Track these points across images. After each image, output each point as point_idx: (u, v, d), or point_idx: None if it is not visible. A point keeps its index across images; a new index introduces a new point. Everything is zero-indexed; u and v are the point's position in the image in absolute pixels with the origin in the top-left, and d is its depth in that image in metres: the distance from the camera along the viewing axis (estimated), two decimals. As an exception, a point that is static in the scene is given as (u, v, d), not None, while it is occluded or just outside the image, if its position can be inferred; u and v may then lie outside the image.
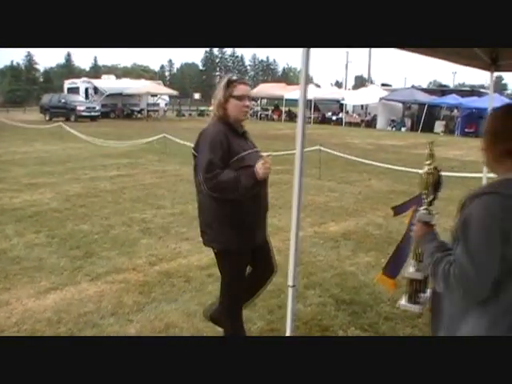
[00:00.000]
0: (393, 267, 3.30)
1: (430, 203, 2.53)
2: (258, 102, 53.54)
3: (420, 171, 2.60)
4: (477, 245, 2.04)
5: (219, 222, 3.74)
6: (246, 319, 4.84)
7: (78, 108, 40.47)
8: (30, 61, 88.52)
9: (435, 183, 2.54)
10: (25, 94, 79.06)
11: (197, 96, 68.83)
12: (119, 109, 45.73)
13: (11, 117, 40.04)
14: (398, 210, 2.97)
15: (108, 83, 47.62)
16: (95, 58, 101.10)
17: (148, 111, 46.94)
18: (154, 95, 48.05)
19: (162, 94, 49.41)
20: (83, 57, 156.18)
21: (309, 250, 7.02)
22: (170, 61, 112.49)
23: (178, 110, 52.82)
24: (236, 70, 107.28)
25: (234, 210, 3.67)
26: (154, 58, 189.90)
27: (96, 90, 45.82)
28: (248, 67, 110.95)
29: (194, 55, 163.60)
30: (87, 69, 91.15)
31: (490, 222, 2.02)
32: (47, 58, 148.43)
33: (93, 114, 40.83)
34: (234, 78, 3.72)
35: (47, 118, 41.51)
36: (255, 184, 3.53)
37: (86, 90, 46.11)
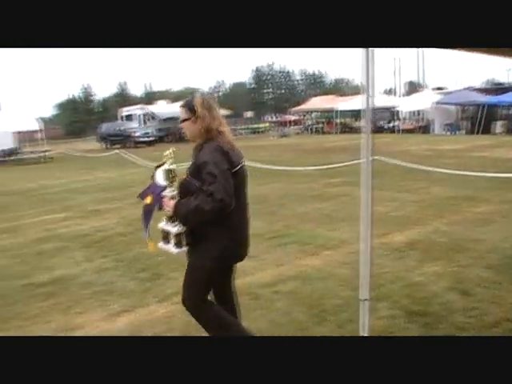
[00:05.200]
0: (144, 228, 4.04)
1: (171, 185, 3.74)
2: (311, 115, 53.50)
3: (163, 168, 3.80)
4: None
5: None
6: (317, 335, 4.81)
7: (134, 134, 41.44)
8: (86, 92, 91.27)
9: (173, 174, 3.77)
10: (83, 124, 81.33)
11: (249, 114, 69.27)
12: (173, 132, 46.40)
13: (71, 147, 41.28)
14: (142, 196, 4.04)
15: (162, 108, 48.53)
16: (150, 84, 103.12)
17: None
18: (206, 116, 48.59)
19: (214, 114, 49.95)
20: (137, 84, 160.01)
21: (375, 261, 6.92)
22: (223, 81, 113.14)
23: (230, 130, 53.28)
24: (286, 85, 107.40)
25: None
26: (205, 79, 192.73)
27: (151, 115, 46.78)
28: (300, 82, 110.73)
29: (243, 74, 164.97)
30: (141, 95, 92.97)
31: None
32: (103, 88, 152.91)
33: (149, 138, 41.67)
34: None
35: (105, 146, 42.67)
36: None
37: (141, 116, 47.16)
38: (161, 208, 3.80)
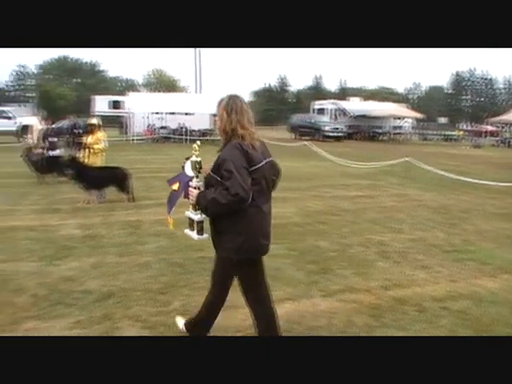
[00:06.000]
0: (168, 209, 4.40)
1: (197, 176, 4.13)
2: (510, 128, 50.15)
3: (191, 159, 4.18)
4: None
5: None
6: None
7: (324, 128, 41.98)
8: (282, 83, 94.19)
9: (199, 166, 4.14)
10: (276, 113, 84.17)
11: (443, 120, 66.71)
12: (363, 130, 46.25)
13: (262, 134, 42.65)
14: (170, 183, 4.40)
15: (354, 105, 48.56)
16: (345, 80, 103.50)
17: (391, 134, 46.75)
18: (398, 118, 47.72)
19: (406, 116, 48.84)
20: (332, 79, 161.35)
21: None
22: (419, 83, 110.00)
23: (421, 134, 51.78)
24: (486, 93, 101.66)
25: None
26: (400, 80, 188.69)
27: (342, 111, 47.02)
28: (502, 90, 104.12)
29: (442, 78, 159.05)
30: (335, 91, 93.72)
31: None
32: (298, 80, 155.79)
33: (338, 134, 41.98)
34: None
35: (294, 137, 43.75)
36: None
37: (333, 111, 47.55)
38: (186, 196, 4.14)
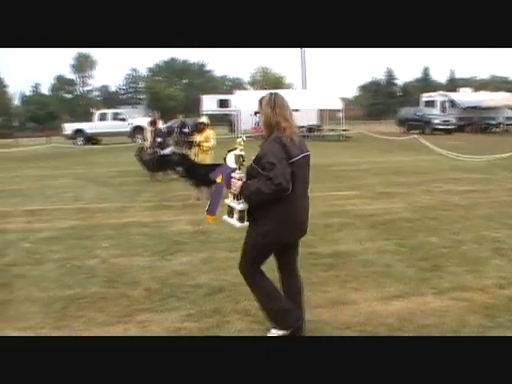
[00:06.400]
0: (212, 208, 4.68)
1: (239, 168, 4.35)
2: None
3: (234, 153, 4.41)
4: None
5: None
6: None
7: (434, 121, 40.74)
8: (389, 76, 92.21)
9: (242, 159, 4.35)
10: (383, 107, 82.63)
11: None
12: (475, 122, 44.29)
13: (369, 128, 42.21)
14: (213, 176, 4.65)
15: (464, 96, 46.67)
16: (454, 70, 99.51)
17: (505, 125, 44.49)
18: (512, 108, 45.29)
19: (523, 106, 46.21)
20: (441, 70, 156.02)
21: None
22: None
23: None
24: None
25: None
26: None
27: (452, 103, 45.33)
28: None
29: None
30: (444, 82, 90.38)
31: None
32: (405, 72, 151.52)
33: (448, 127, 40.62)
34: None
35: (403, 130, 42.80)
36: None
37: (442, 103, 45.96)
38: (229, 187, 4.39)
